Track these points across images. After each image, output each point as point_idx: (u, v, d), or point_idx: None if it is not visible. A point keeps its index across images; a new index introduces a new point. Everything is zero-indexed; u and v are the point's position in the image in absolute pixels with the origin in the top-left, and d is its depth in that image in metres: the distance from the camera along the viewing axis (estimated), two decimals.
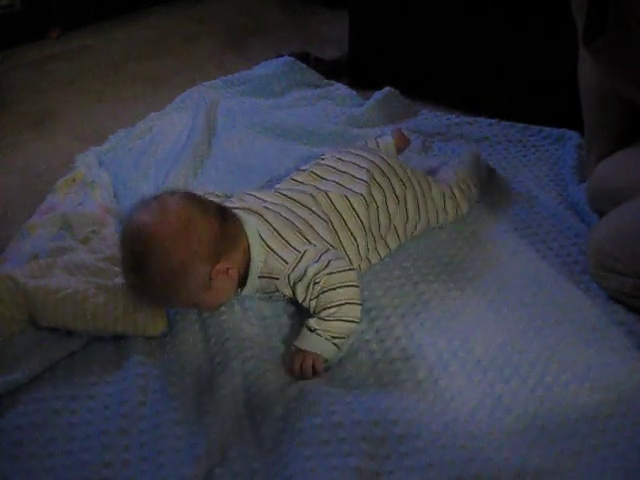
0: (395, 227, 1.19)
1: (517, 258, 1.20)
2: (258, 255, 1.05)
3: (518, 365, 0.98)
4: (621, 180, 1.17)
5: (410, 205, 1.19)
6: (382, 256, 1.18)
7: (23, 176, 1.55)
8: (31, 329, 1.04)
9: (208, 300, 1.04)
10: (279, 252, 1.05)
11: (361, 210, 1.13)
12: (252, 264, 1.05)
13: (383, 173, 1.18)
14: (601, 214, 1.19)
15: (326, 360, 1.00)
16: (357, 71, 1.89)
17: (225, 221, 1.03)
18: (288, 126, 1.58)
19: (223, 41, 2.24)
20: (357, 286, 1.03)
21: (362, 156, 1.21)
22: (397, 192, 1.18)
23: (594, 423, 0.90)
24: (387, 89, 1.71)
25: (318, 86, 1.80)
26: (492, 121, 1.60)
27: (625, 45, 0.98)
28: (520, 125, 1.58)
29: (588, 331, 1.04)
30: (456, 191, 1.27)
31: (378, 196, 1.15)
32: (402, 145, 1.40)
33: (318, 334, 0.99)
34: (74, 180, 1.40)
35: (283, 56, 1.87)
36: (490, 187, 1.37)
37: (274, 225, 1.07)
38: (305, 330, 1.01)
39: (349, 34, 1.87)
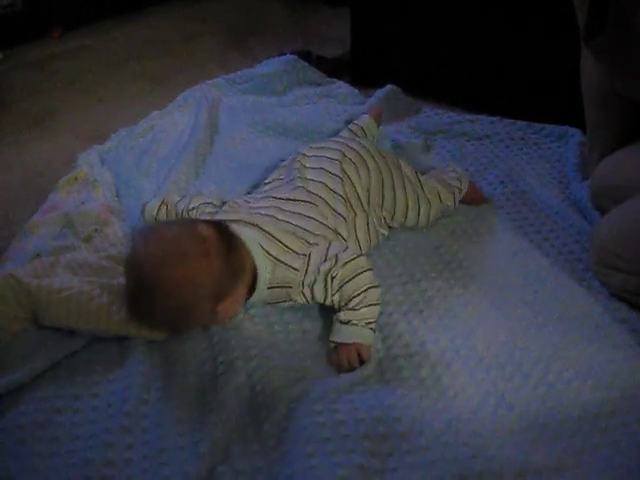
0: (374, 204, 1.19)
1: (519, 256, 1.20)
2: (264, 267, 1.04)
3: (520, 363, 0.98)
4: (622, 178, 1.17)
5: (386, 179, 1.21)
6: (370, 233, 1.18)
7: (25, 175, 1.55)
8: (34, 328, 1.04)
9: (214, 322, 1.04)
10: (285, 260, 1.05)
11: (338, 187, 1.15)
12: (259, 277, 1.04)
13: (355, 151, 1.22)
14: (603, 212, 1.19)
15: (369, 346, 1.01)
16: (359, 69, 1.89)
17: (229, 253, 1.00)
18: (290, 124, 1.58)
19: (224, 40, 2.24)
20: (371, 269, 1.06)
21: (337, 141, 1.27)
22: (369, 165, 1.20)
23: (596, 421, 0.90)
24: (389, 87, 1.71)
25: (320, 84, 1.80)
26: (494, 119, 1.60)
27: (625, 45, 0.98)
28: (522, 123, 1.58)
29: (591, 329, 1.04)
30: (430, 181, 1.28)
31: (351, 171, 1.18)
32: (379, 117, 1.51)
33: (354, 324, 1.01)
34: (76, 179, 1.40)
35: (285, 54, 1.87)
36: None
37: (272, 233, 1.07)
38: (338, 324, 1.02)
39: (351, 33, 1.87)
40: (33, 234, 1.23)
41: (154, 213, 1.25)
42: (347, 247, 1.08)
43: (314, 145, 1.27)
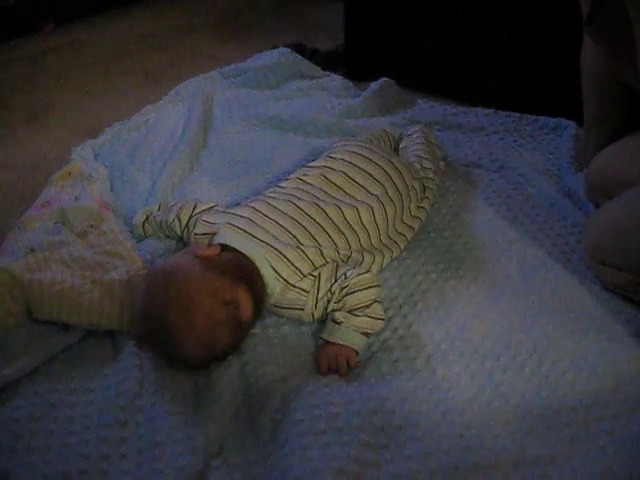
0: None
1: (515, 247, 1.20)
2: (273, 289, 1.02)
3: (515, 354, 0.98)
4: (613, 173, 1.17)
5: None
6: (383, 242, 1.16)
7: (18, 170, 1.55)
8: (28, 322, 1.03)
9: None
10: (295, 283, 1.02)
11: (380, 218, 1.14)
12: (267, 297, 1.03)
13: (396, 187, 1.18)
14: (598, 206, 1.19)
15: (357, 353, 1.00)
16: (353, 62, 1.89)
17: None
18: (284, 117, 1.58)
19: (218, 33, 2.24)
20: (380, 285, 1.05)
21: (384, 170, 1.18)
22: (403, 205, 1.18)
23: (591, 411, 0.90)
24: (383, 80, 1.71)
25: (314, 77, 1.80)
26: (489, 111, 1.60)
27: (622, 24, 0.97)
28: (516, 115, 1.58)
29: (585, 320, 1.04)
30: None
31: (390, 211, 1.16)
32: None
33: (346, 326, 1.00)
34: (70, 173, 1.39)
35: (279, 47, 1.87)
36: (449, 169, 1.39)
37: (284, 253, 1.03)
38: (331, 323, 1.01)
39: (345, 25, 1.86)
40: (27, 229, 1.23)
41: (141, 231, 1.23)
42: (355, 267, 1.06)
43: (356, 162, 1.19)
